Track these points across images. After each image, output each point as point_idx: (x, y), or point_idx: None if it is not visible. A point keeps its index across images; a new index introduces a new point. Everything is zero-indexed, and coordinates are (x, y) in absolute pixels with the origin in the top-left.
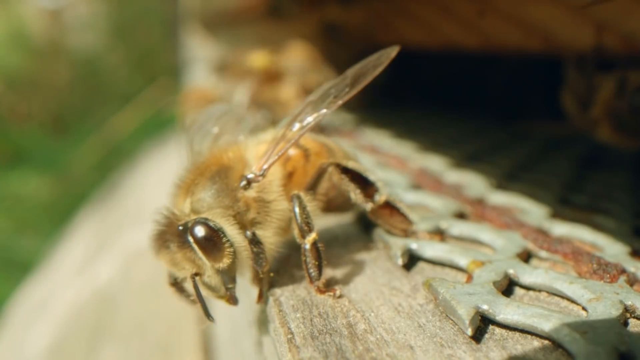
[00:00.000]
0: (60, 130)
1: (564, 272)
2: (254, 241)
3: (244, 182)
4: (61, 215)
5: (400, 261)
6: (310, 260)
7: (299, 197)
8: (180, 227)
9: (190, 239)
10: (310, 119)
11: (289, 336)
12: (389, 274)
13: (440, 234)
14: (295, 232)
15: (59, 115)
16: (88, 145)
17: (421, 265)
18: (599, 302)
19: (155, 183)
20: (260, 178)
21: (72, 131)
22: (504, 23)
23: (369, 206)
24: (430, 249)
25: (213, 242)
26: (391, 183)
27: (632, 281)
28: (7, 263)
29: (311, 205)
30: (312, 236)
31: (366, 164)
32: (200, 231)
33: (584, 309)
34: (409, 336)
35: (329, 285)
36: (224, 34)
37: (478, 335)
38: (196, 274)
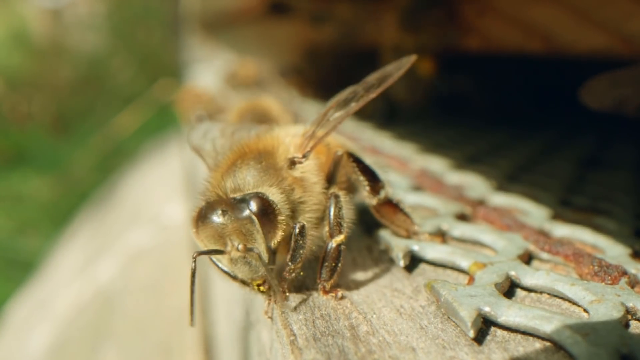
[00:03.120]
0: (61, 131)
1: (565, 274)
2: (301, 233)
3: (288, 162)
4: (62, 215)
5: (402, 263)
6: (328, 260)
7: (336, 197)
8: (237, 199)
9: (248, 211)
10: (345, 110)
11: (292, 338)
12: (390, 276)
13: (441, 236)
14: (326, 229)
15: (60, 116)
16: (89, 145)
17: (423, 266)
18: (601, 304)
19: (156, 183)
20: (303, 160)
21: (73, 131)
22: (504, 24)
23: (374, 201)
24: (432, 250)
25: (270, 215)
26: (392, 184)
27: (633, 283)
28: (8, 263)
29: (347, 208)
30: (340, 238)
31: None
32: (259, 203)
33: (585, 310)
34: (411, 338)
35: (332, 286)
36: (224, 35)
37: (480, 337)
38: (247, 248)
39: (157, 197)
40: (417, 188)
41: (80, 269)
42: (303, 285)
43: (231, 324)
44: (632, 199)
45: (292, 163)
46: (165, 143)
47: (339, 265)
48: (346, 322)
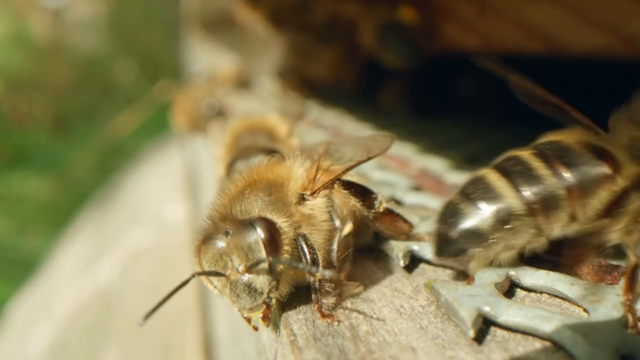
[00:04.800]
0: (61, 131)
1: (565, 274)
2: (305, 239)
3: (298, 199)
4: (62, 215)
5: (401, 263)
6: (340, 250)
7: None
8: (242, 219)
9: (253, 231)
10: (355, 159)
11: (292, 338)
12: (390, 276)
13: None
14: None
15: (60, 116)
16: (89, 145)
17: (422, 266)
18: (600, 303)
19: (156, 183)
20: (312, 197)
21: (74, 131)
22: (504, 24)
23: (370, 215)
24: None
25: (275, 239)
26: (392, 184)
27: None
28: (8, 263)
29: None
30: (348, 228)
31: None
32: (265, 225)
33: (585, 310)
34: (411, 338)
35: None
36: (223, 35)
37: (480, 337)
38: (246, 270)
39: (158, 197)
40: (417, 188)
41: (81, 269)
42: (303, 286)
43: (231, 324)
44: None
45: (302, 199)
46: (165, 143)
47: (350, 253)
48: (346, 322)
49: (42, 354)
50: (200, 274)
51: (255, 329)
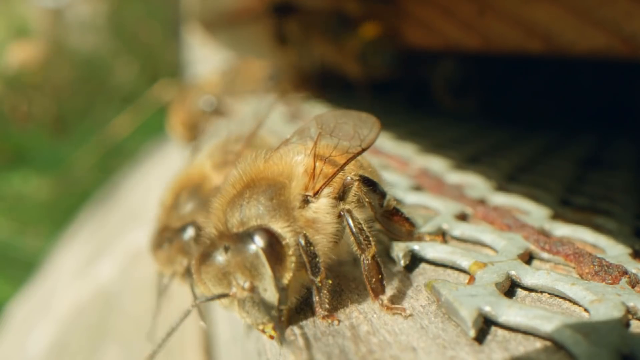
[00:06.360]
0: (61, 131)
1: (566, 274)
2: (307, 242)
3: (301, 202)
4: (62, 215)
5: (402, 262)
6: (372, 276)
7: (350, 212)
8: (241, 233)
9: (253, 244)
10: (351, 151)
11: (292, 338)
12: (391, 276)
13: (441, 236)
14: (354, 246)
15: (60, 116)
16: (89, 145)
17: (423, 266)
18: (601, 303)
19: (156, 183)
20: (315, 199)
21: (73, 131)
22: (504, 23)
23: (378, 212)
24: (432, 250)
25: (277, 248)
26: (392, 184)
27: (633, 283)
28: (8, 263)
29: (362, 218)
30: (372, 250)
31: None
32: (265, 236)
33: (586, 310)
34: (412, 338)
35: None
36: (223, 35)
37: (480, 337)
38: (252, 286)
39: (157, 197)
40: (417, 188)
41: (81, 268)
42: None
43: (231, 324)
44: (632, 199)
45: (305, 202)
46: (165, 143)
47: (383, 275)
48: (347, 322)
49: (42, 354)
50: (203, 301)
51: (272, 337)
